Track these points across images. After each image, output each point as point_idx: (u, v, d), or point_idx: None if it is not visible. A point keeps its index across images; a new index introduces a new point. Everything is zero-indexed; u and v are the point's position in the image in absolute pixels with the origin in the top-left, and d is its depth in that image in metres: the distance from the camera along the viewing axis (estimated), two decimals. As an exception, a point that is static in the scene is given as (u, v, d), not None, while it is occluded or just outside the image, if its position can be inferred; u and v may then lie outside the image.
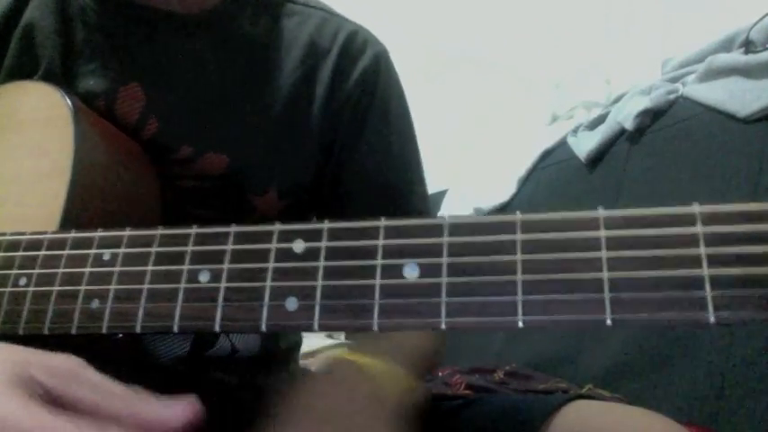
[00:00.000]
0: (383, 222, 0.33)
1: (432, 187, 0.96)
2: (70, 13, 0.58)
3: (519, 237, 0.30)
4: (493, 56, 2.33)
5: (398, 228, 0.32)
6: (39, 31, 0.58)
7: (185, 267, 0.36)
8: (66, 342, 0.36)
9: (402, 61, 0.68)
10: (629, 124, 1.40)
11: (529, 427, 0.50)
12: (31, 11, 0.59)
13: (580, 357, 1.34)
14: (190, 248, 0.36)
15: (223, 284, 0.35)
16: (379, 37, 0.68)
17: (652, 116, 1.37)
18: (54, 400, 0.29)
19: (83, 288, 0.38)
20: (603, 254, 0.28)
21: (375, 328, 0.31)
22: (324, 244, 0.33)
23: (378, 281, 0.31)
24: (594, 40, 2.12)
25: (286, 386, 0.46)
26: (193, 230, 0.37)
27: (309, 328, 0.32)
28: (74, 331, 0.37)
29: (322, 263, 0.33)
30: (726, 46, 1.28)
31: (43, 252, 0.41)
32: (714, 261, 0.26)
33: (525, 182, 1.88)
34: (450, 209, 2.02)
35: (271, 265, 0.34)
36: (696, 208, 0.27)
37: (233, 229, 0.36)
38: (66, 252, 0.40)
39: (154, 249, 0.37)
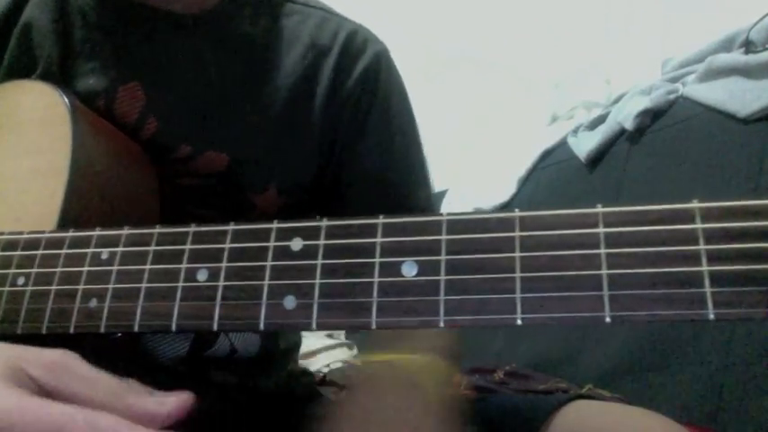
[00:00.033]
0: (381, 220, 0.33)
1: (431, 187, 0.96)
2: (69, 12, 0.58)
3: (517, 234, 0.30)
4: (493, 56, 2.33)
5: (396, 225, 0.32)
6: (37, 30, 0.58)
7: (183, 266, 0.36)
8: (65, 342, 0.36)
9: (402, 61, 0.68)
10: (629, 124, 1.39)
11: (529, 427, 0.50)
12: (31, 9, 0.59)
13: (580, 357, 1.34)
14: (188, 247, 0.36)
15: (221, 283, 0.35)
16: (379, 37, 0.68)
17: (652, 116, 1.36)
18: (47, 394, 0.29)
19: (81, 287, 0.38)
20: (602, 251, 0.28)
21: (373, 326, 0.31)
22: (322, 242, 0.33)
23: (376, 279, 0.31)
24: (594, 40, 2.12)
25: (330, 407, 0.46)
26: (191, 229, 0.37)
27: (307, 327, 0.32)
28: (72, 330, 0.37)
29: (320, 261, 0.33)
30: (726, 46, 1.28)
31: (41, 251, 0.41)
32: (713, 257, 0.26)
33: (525, 182, 1.88)
34: (450, 209, 2.01)
35: (269, 263, 0.34)
36: (695, 204, 0.27)
37: (231, 227, 0.36)
38: (64, 251, 0.40)
39: (152, 248, 0.37)
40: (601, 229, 0.28)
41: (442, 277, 0.30)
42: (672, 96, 1.33)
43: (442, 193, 2.14)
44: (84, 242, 0.39)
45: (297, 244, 0.34)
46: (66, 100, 0.51)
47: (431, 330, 0.52)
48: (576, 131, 1.68)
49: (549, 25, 2.24)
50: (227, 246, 0.35)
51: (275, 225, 0.35)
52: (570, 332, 1.39)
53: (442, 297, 0.30)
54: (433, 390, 0.45)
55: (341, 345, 1.68)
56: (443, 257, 0.31)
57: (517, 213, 0.30)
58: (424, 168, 0.67)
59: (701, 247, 0.26)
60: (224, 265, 0.35)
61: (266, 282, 0.33)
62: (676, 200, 0.28)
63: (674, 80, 1.39)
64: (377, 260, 0.32)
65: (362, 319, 0.31)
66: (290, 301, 0.33)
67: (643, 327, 1.16)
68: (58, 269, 0.39)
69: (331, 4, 0.68)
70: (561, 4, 2.24)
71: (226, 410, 0.64)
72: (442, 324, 0.30)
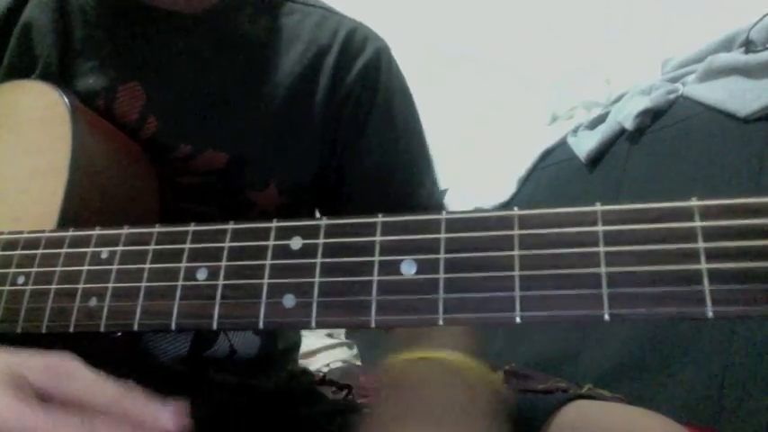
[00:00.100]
0: (380, 219, 0.33)
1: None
2: (69, 11, 0.58)
3: (516, 232, 0.30)
4: (493, 55, 2.33)
5: (396, 224, 0.32)
6: (37, 29, 0.58)
7: (183, 265, 0.36)
8: (65, 341, 0.36)
9: (402, 61, 0.68)
10: (629, 124, 1.39)
11: (529, 427, 0.50)
12: (31, 9, 0.59)
13: (580, 357, 1.34)
14: (187, 246, 0.36)
15: (221, 282, 0.35)
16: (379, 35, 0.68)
17: (652, 116, 1.36)
18: (47, 399, 0.29)
19: (81, 286, 0.38)
20: (601, 249, 0.28)
21: (372, 324, 0.31)
22: (321, 241, 0.33)
23: (375, 277, 0.31)
24: (594, 40, 2.12)
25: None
26: (191, 228, 0.37)
27: (307, 326, 0.32)
28: (72, 329, 0.37)
29: (319, 260, 0.33)
30: (726, 46, 1.28)
31: (41, 250, 0.41)
32: (712, 255, 0.26)
33: (525, 182, 1.88)
34: (450, 209, 2.01)
35: (268, 262, 0.34)
36: (694, 202, 0.27)
37: (230, 226, 0.36)
38: (63, 250, 0.40)
39: (151, 247, 0.37)
40: (600, 227, 0.28)
41: (442, 276, 0.30)
42: (672, 96, 1.33)
43: (442, 193, 2.14)
44: (84, 241, 0.39)
45: (296, 243, 0.34)
46: (66, 100, 0.51)
47: (454, 329, 0.51)
48: (575, 131, 1.68)
49: (550, 25, 2.24)
50: (227, 245, 0.35)
51: (275, 224, 0.35)
52: (570, 332, 1.39)
53: (441, 295, 0.30)
54: (480, 386, 0.45)
55: (341, 344, 1.68)
56: (442, 256, 0.31)
57: (516, 212, 0.30)
58: (427, 162, 0.66)
59: (700, 244, 0.26)
60: (223, 263, 0.35)
61: (266, 280, 0.33)
62: (676, 200, 0.28)
63: (674, 80, 1.39)
64: (376, 259, 0.32)
65: (362, 318, 0.31)
66: (289, 300, 0.33)
67: (643, 326, 1.16)
68: (58, 268, 0.39)
69: (331, 4, 0.68)
70: (561, 3, 2.24)
71: (226, 410, 0.64)
72: (441, 322, 0.30)
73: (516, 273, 0.29)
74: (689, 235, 0.27)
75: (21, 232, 0.42)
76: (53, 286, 0.39)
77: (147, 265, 0.37)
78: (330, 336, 1.74)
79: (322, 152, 0.62)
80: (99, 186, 0.50)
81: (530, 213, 0.30)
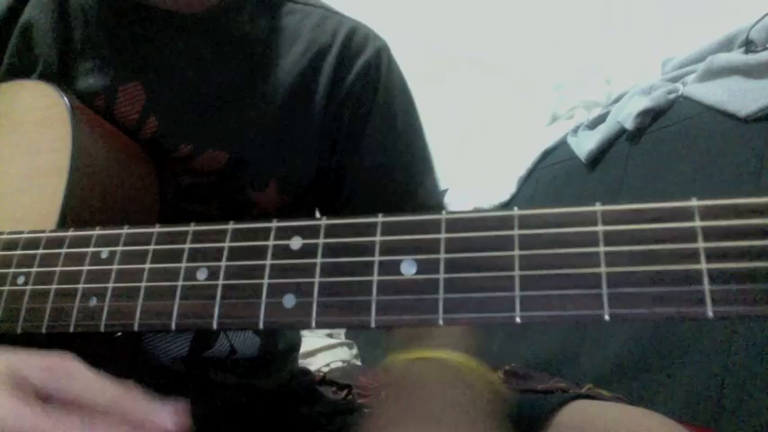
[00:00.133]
0: (380, 218, 0.33)
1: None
2: (69, 11, 0.58)
3: (516, 232, 0.30)
4: (493, 56, 2.33)
5: (396, 224, 0.32)
6: (37, 29, 0.58)
7: (183, 265, 0.36)
8: (65, 342, 0.36)
9: (402, 62, 0.68)
10: (629, 124, 1.40)
11: (529, 427, 0.50)
12: (31, 9, 0.59)
13: (580, 357, 1.34)
14: (187, 246, 0.36)
15: (221, 282, 0.35)
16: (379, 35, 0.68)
17: (652, 116, 1.36)
18: (47, 399, 0.29)
19: (81, 286, 0.38)
20: (601, 249, 0.28)
21: (372, 324, 0.31)
22: (321, 241, 0.33)
23: (375, 277, 0.31)
24: (594, 40, 2.12)
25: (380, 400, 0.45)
26: (191, 228, 0.37)
27: (307, 326, 0.32)
28: (72, 329, 0.37)
29: (319, 260, 0.33)
30: (726, 46, 1.28)
31: (41, 250, 0.41)
32: (712, 256, 0.26)
33: (525, 182, 1.88)
34: (450, 209, 2.01)
35: (268, 262, 0.34)
36: (694, 202, 0.27)
37: (230, 226, 0.36)
38: (63, 250, 0.40)
39: (151, 247, 0.37)
40: (600, 228, 0.28)
41: (441, 276, 0.30)
42: (672, 96, 1.33)
43: (443, 193, 2.14)
44: (84, 241, 0.39)
45: (296, 243, 0.34)
46: (66, 100, 0.51)
47: (454, 329, 0.51)
48: (576, 131, 1.68)
49: (550, 25, 2.24)
50: (227, 245, 0.35)
51: (275, 224, 0.35)
52: (570, 332, 1.39)
53: (441, 295, 0.30)
54: (480, 386, 0.45)
55: (341, 344, 1.68)
56: (442, 256, 0.31)
57: (516, 212, 0.30)
58: (428, 162, 0.66)
59: (700, 244, 0.26)
60: (223, 263, 0.35)
61: (266, 280, 0.33)
62: (677, 200, 0.28)
63: (674, 80, 1.39)
64: (376, 259, 0.32)
65: (362, 318, 0.31)
66: (289, 300, 0.33)
67: (643, 326, 1.16)
68: (58, 268, 0.39)
69: (331, 4, 0.68)
70: (561, 4, 2.24)
71: (226, 410, 0.64)
72: (441, 322, 0.30)
73: (516, 273, 0.29)
74: (689, 235, 0.27)
75: (21, 232, 0.42)
76: (53, 286, 0.39)
77: (147, 265, 0.37)
78: (330, 336, 1.74)
79: (322, 152, 0.62)
80: (99, 186, 0.50)
81: (530, 213, 0.30)
